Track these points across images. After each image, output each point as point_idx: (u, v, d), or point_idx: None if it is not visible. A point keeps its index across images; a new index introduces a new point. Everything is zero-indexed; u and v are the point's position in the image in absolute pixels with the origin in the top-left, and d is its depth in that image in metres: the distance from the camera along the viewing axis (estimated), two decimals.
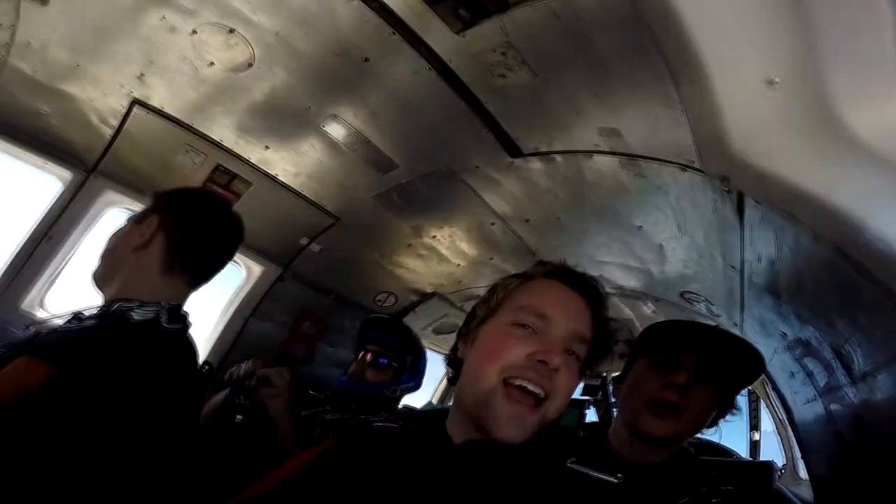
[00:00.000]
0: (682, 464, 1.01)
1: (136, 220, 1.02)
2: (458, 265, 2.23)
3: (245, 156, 1.67)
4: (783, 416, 1.65)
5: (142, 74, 1.34)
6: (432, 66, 1.16)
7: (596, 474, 0.69)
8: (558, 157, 1.28)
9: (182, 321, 0.99)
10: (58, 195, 1.58)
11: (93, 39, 1.24)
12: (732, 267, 1.12)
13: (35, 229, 1.55)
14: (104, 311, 0.94)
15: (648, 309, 1.80)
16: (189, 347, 1.01)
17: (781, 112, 0.66)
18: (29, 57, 1.29)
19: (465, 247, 2.08)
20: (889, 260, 0.63)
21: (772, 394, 1.65)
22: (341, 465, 0.78)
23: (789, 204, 0.76)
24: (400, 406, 1.92)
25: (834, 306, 0.86)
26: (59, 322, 0.98)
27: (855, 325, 0.81)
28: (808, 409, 1.21)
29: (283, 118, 1.47)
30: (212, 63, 1.28)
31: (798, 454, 1.94)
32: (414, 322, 2.57)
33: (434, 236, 2.06)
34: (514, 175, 1.49)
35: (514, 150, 1.36)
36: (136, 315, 0.92)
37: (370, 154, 1.59)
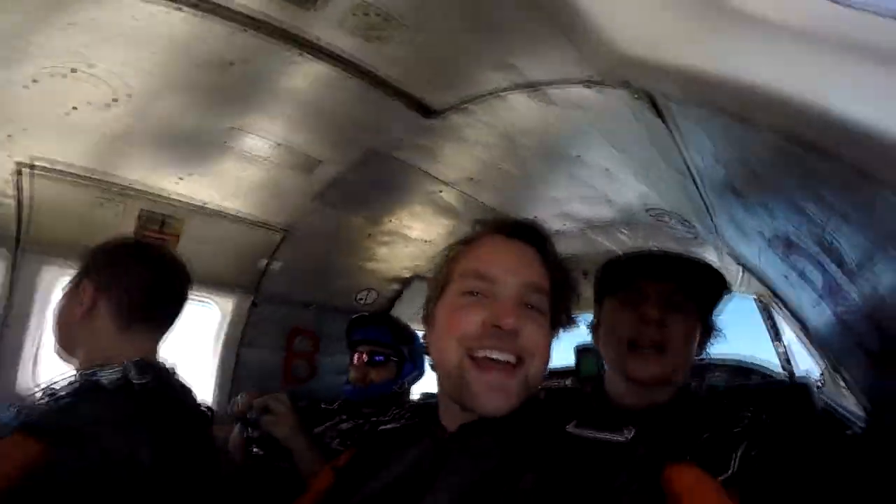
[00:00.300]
0: (690, 400, 0.98)
1: (71, 288, 1.01)
2: (425, 241, 2.17)
3: (164, 192, 1.58)
4: (798, 323, 1.57)
5: (9, 135, 1.26)
6: (305, 52, 1.06)
7: (601, 435, 0.65)
8: (471, 106, 1.19)
9: (154, 371, 0.99)
10: None
11: None
12: (680, 173, 1.03)
13: None
14: (73, 381, 0.95)
15: (623, 235, 1.73)
16: (172, 393, 1.02)
17: None
18: None
19: (425, 222, 2.01)
20: (837, 132, 0.54)
21: (778, 302, 1.57)
22: (360, 475, 0.77)
23: (700, 93, 0.67)
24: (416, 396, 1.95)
25: (796, 191, 0.78)
26: (38, 397, 0.98)
27: (826, 208, 0.73)
28: (817, 314, 1.13)
29: (181, 145, 1.39)
30: (75, 107, 1.19)
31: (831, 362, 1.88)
32: (403, 310, 2.55)
33: (390, 220, 1.99)
34: (438, 136, 1.39)
35: (428, 111, 1.26)
36: (104, 379, 0.93)
37: (288, 158, 1.50)
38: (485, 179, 1.57)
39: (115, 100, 1.16)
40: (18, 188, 1.40)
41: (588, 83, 0.87)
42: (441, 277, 0.78)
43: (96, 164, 1.43)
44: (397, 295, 2.52)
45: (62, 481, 0.79)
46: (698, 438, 0.87)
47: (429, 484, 0.66)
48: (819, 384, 2.10)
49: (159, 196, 1.61)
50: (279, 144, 1.43)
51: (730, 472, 0.80)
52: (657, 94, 0.75)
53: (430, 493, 0.65)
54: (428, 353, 0.82)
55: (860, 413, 1.18)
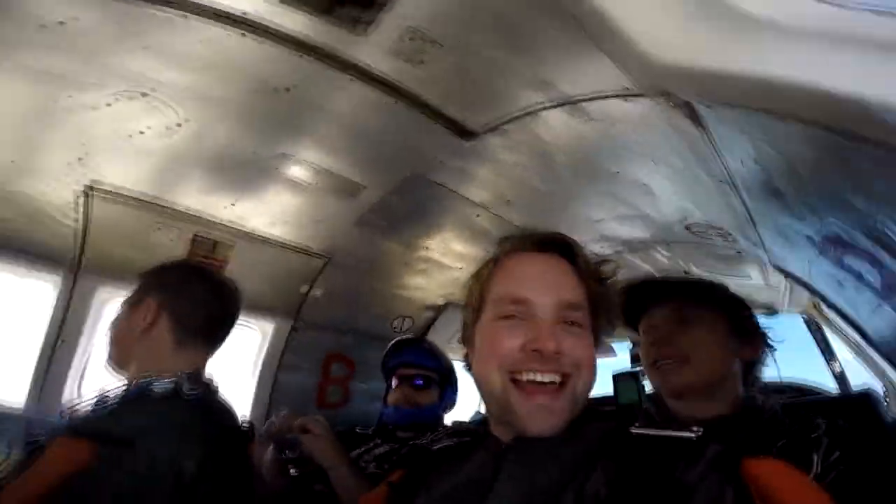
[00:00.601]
0: (759, 411, 0.98)
1: (132, 305, 1.08)
2: (461, 268, 2.20)
3: (216, 219, 1.71)
4: (855, 336, 1.49)
5: (80, 158, 1.37)
6: (356, 77, 1.17)
7: (667, 433, 0.64)
8: (507, 126, 1.26)
9: (203, 386, 1.05)
10: (54, 300, 1.65)
11: (12, 133, 1.28)
12: (720, 180, 1.05)
13: (46, 336, 1.63)
14: (126, 389, 1.00)
15: (662, 256, 1.71)
16: (217, 409, 1.07)
17: (679, 9, 0.62)
18: None
19: (460, 247, 2.06)
20: (877, 119, 0.56)
21: (832, 315, 1.50)
22: (415, 490, 0.77)
23: (737, 96, 0.71)
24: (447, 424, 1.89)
25: (841, 184, 0.78)
26: (88, 405, 1.02)
27: (875, 200, 0.73)
28: (878, 319, 1.08)
29: (235, 170, 1.51)
30: (142, 132, 1.31)
31: (893, 375, 1.77)
32: (436, 337, 2.55)
33: (426, 247, 2.04)
34: (476, 158, 1.46)
35: (467, 133, 1.34)
36: (157, 388, 0.98)
37: (333, 183, 1.60)
38: (521, 201, 1.62)
39: (178, 124, 1.29)
40: (84, 211, 1.53)
41: (625, 95, 0.92)
42: (475, 301, 0.77)
43: (157, 189, 1.56)
44: (431, 322, 2.54)
45: (107, 485, 0.82)
46: (774, 445, 0.84)
47: (486, 492, 0.66)
48: (886, 399, 1.94)
49: (211, 221, 1.72)
50: (325, 170, 1.53)
51: (813, 472, 0.78)
52: (694, 100, 0.78)
53: (488, 498, 0.65)
54: (469, 370, 0.81)
55: None
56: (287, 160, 1.48)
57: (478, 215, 1.81)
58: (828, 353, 2.15)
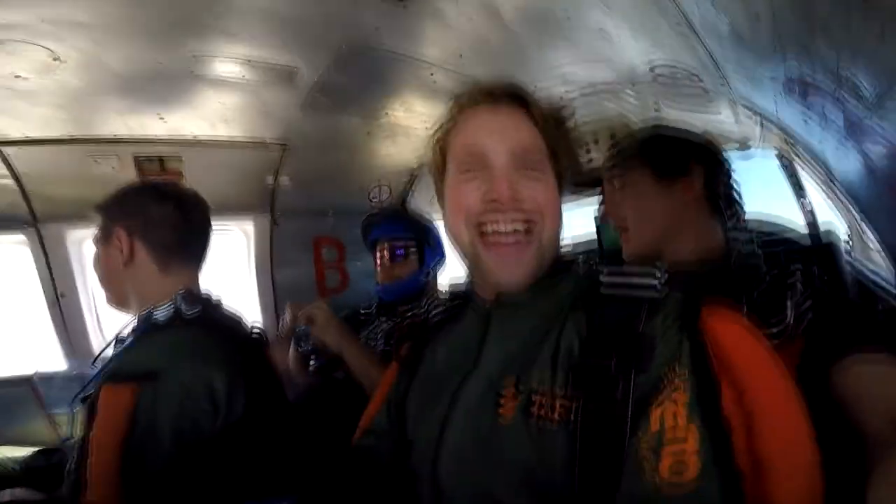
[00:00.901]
0: (735, 256, 0.93)
1: (103, 240, 1.05)
2: (427, 127, 2.11)
3: (152, 135, 1.59)
4: (823, 172, 1.48)
5: None
6: None
7: (631, 280, 0.63)
8: None
9: (203, 302, 1.06)
10: (33, 259, 1.68)
11: None
12: (679, 24, 0.94)
13: (46, 297, 1.71)
14: (135, 325, 1.03)
15: (630, 97, 1.62)
16: (224, 321, 1.09)
17: None
18: None
19: (422, 107, 1.92)
20: None
21: (800, 151, 1.48)
22: (420, 360, 0.82)
23: None
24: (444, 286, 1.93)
25: (801, 29, 0.73)
26: (111, 349, 1.08)
27: (836, 43, 0.69)
28: (842, 157, 1.08)
29: (150, 85, 1.36)
30: (17, 76, 1.16)
31: (856, 213, 1.72)
32: (418, 199, 2.60)
33: (386, 113, 1.92)
34: (416, 17, 1.28)
35: None
36: (159, 317, 1.01)
37: (262, 72, 1.44)
38: (475, 55, 1.46)
39: (56, 59, 1.11)
40: (8, 165, 1.45)
41: None
42: (438, 161, 0.77)
43: (72, 124, 1.43)
44: (409, 186, 2.55)
45: (160, 418, 0.86)
46: (752, 291, 0.84)
47: (479, 350, 0.70)
48: (847, 244, 2.01)
49: (148, 139, 1.62)
50: (249, 61, 1.36)
51: (787, 320, 0.78)
52: None
53: (479, 357, 0.70)
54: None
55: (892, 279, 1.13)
56: (205, 61, 1.31)
57: (432, 73, 1.66)
58: (798, 190, 2.17)
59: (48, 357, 1.76)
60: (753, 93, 1.12)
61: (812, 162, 1.43)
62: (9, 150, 1.43)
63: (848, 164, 1.06)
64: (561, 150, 0.73)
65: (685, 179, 0.94)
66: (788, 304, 0.78)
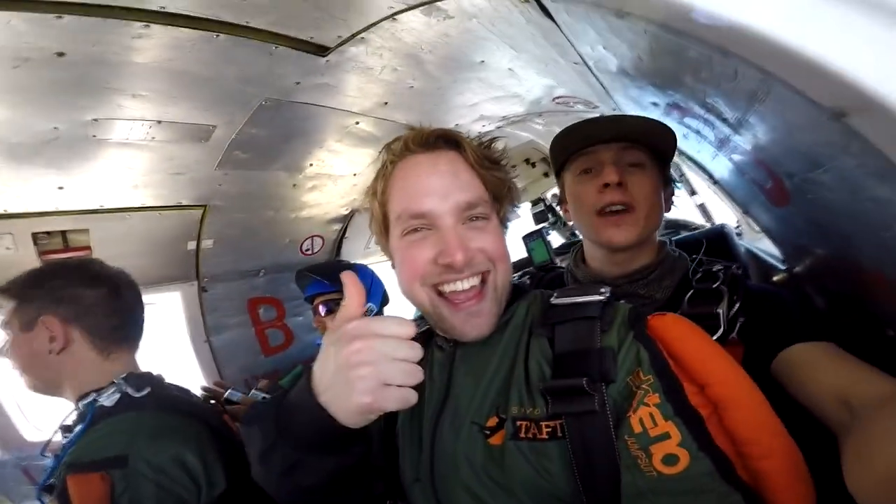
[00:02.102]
0: (671, 260, 1.00)
1: (22, 328, 0.99)
2: (354, 174, 2.15)
3: (49, 209, 1.43)
4: (706, 176, 1.71)
5: None
6: (171, 24, 0.93)
7: (580, 299, 0.68)
8: (366, 35, 1.14)
9: (147, 382, 1.02)
10: None
11: None
12: (576, 63, 1.11)
13: None
14: (79, 413, 0.98)
15: (538, 125, 1.83)
16: (174, 396, 1.06)
17: None
18: None
19: (349, 156, 1.98)
20: (698, 20, 0.63)
21: (686, 160, 1.72)
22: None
23: None
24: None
25: (675, 68, 0.88)
26: (60, 438, 1.01)
27: (701, 80, 0.84)
28: (719, 164, 1.26)
29: (47, 153, 1.24)
30: None
31: (739, 208, 1.91)
32: (353, 246, 2.60)
33: (311, 164, 1.94)
34: (338, 71, 1.34)
35: (320, 49, 1.20)
36: (105, 402, 0.96)
37: (174, 132, 1.38)
38: (398, 101, 1.56)
39: None
40: None
41: None
42: (379, 218, 0.76)
43: None
44: (341, 234, 2.55)
45: (142, 499, 0.84)
46: (683, 297, 0.90)
47: (447, 389, 0.72)
48: (738, 231, 2.36)
49: (47, 212, 1.46)
50: (159, 122, 1.30)
51: (721, 330, 0.83)
52: None
53: (448, 396, 0.71)
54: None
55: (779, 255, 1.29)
56: (105, 124, 1.24)
57: (357, 122, 1.72)
58: (689, 188, 2.52)
59: None
60: (637, 113, 1.33)
61: (696, 167, 1.70)
62: None
63: (723, 169, 1.28)
64: (502, 191, 0.74)
65: (670, 187, 1.04)
66: (720, 312, 0.84)
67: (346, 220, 2.50)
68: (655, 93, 1.03)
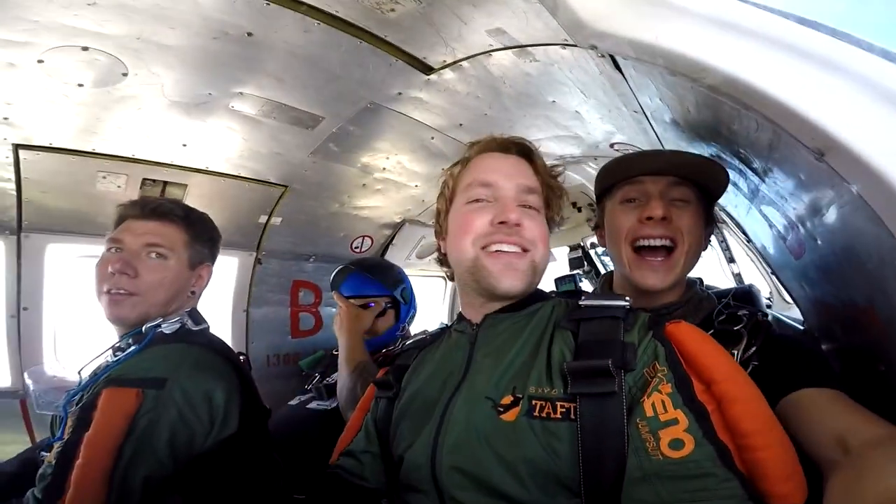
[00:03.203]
0: (696, 297, 1.03)
1: (189, 264, 1.18)
2: (416, 186, 2.43)
3: (166, 160, 1.76)
4: (742, 235, 1.81)
5: (5, 118, 1.38)
6: (321, 20, 1.25)
7: (606, 301, 0.76)
8: (464, 64, 1.44)
9: (203, 321, 1.19)
10: (4, 266, 1.68)
11: None
12: (636, 111, 1.35)
13: (7, 307, 1.67)
14: (136, 334, 1.09)
15: (591, 169, 2.07)
16: (218, 341, 1.19)
17: None
18: None
19: (416, 167, 2.26)
20: (728, 80, 0.83)
21: (724, 218, 1.85)
22: (400, 379, 0.92)
23: (641, 53, 0.97)
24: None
25: (715, 120, 1.08)
26: (105, 359, 1.12)
27: (735, 131, 0.99)
28: (751, 220, 1.36)
29: (187, 112, 1.56)
30: (80, 84, 1.32)
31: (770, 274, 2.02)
32: (397, 254, 2.84)
33: (384, 168, 2.23)
34: (433, 89, 1.63)
35: (426, 69, 1.50)
36: (167, 329, 1.09)
37: (291, 116, 1.70)
38: (472, 125, 1.84)
39: (124, 74, 1.31)
40: (15, 170, 1.53)
41: (563, 44, 1.16)
42: (448, 193, 0.92)
43: (100, 138, 1.57)
44: (389, 240, 2.81)
45: (161, 421, 0.92)
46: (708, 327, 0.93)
47: (467, 368, 0.80)
48: (769, 302, 2.41)
49: (161, 163, 1.78)
50: (283, 105, 1.62)
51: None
52: (615, 53, 1.04)
53: (467, 374, 0.79)
54: (443, 264, 0.97)
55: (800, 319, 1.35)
56: (246, 98, 1.55)
57: (432, 138, 2.01)
58: (728, 255, 2.56)
59: None
60: None
61: (733, 227, 1.86)
62: (25, 155, 1.50)
63: (755, 224, 1.43)
64: (553, 197, 0.91)
65: (709, 210, 1.08)
66: (735, 352, 0.87)
67: (397, 227, 2.77)
68: (700, 144, 1.25)
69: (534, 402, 0.69)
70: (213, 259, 1.27)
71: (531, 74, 1.40)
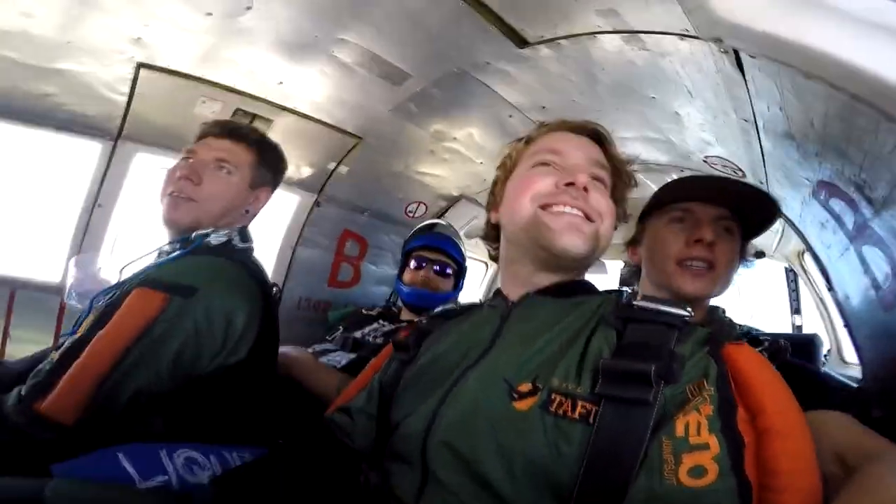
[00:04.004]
0: (717, 320, 1.08)
1: (255, 183, 1.22)
2: (481, 163, 2.38)
3: (261, 95, 1.82)
4: (821, 287, 1.68)
5: (139, 38, 1.46)
6: None
7: (665, 307, 0.68)
8: (564, 42, 1.36)
9: (251, 241, 1.21)
10: (95, 167, 1.81)
11: (76, 13, 1.33)
12: (745, 120, 1.24)
13: (84, 201, 1.81)
14: (184, 240, 1.09)
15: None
16: (257, 266, 1.18)
17: None
18: (12, 43, 1.38)
19: (486, 143, 2.21)
20: (873, 84, 0.74)
21: (807, 263, 1.71)
22: (421, 343, 0.86)
23: (776, 52, 0.88)
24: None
25: (841, 136, 0.97)
26: (149, 259, 1.14)
27: (862, 151, 0.90)
28: (843, 264, 1.25)
29: (291, 52, 1.59)
30: (209, 13, 1.38)
31: (841, 334, 1.94)
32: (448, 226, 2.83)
33: (455, 138, 2.20)
34: (524, 65, 1.57)
35: (521, 41, 1.44)
36: (213, 241, 1.09)
37: (382, 69, 1.70)
38: (556, 109, 1.77)
39: (248, 8, 1.35)
40: (133, 86, 1.63)
41: (682, 35, 1.06)
42: (509, 164, 0.87)
43: (210, 66, 1.65)
44: (443, 212, 2.78)
45: (176, 330, 0.90)
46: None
47: (490, 345, 0.73)
48: (825, 355, 2.23)
49: (256, 97, 1.84)
50: (377, 57, 1.62)
51: None
52: (741, 49, 0.94)
53: (489, 352, 0.72)
54: (488, 239, 0.93)
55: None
56: (342, 45, 1.56)
57: (510, 115, 1.95)
58: (795, 305, 2.41)
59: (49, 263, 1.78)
60: (786, 194, 1.40)
61: (812, 274, 1.70)
62: (144, 73, 1.60)
63: (845, 269, 1.29)
64: (620, 182, 0.85)
65: (745, 243, 1.12)
66: None
67: (453, 201, 2.74)
68: (811, 165, 1.13)
69: (554, 395, 0.63)
70: (274, 185, 1.29)
71: (635, 64, 1.31)
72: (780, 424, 0.57)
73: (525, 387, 0.64)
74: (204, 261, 1.03)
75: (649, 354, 0.62)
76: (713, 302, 1.11)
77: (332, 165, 2.30)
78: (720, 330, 1.03)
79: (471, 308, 0.92)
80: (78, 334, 0.91)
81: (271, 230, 2.43)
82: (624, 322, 0.68)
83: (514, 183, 0.83)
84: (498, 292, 0.84)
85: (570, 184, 0.74)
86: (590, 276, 0.87)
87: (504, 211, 0.84)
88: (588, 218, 0.76)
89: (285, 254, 2.44)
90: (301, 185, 2.35)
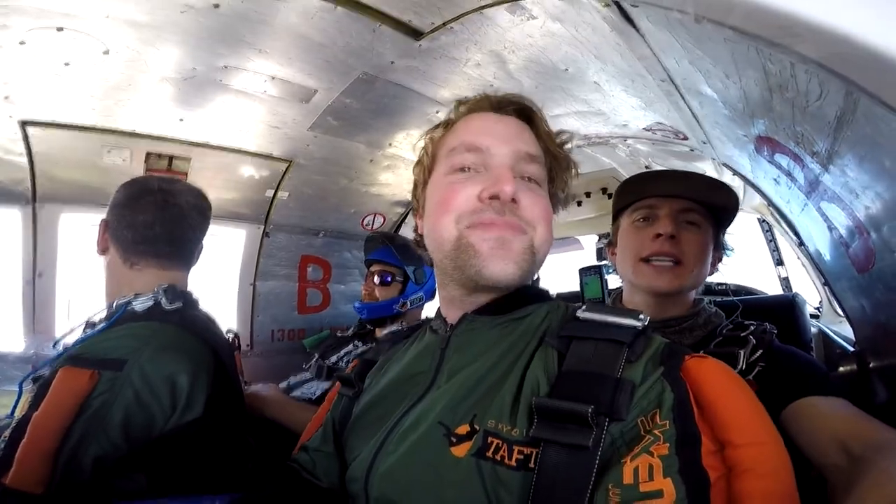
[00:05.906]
0: (703, 312, 1.05)
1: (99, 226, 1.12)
2: None
3: (166, 135, 1.71)
4: (793, 238, 1.57)
5: (6, 97, 1.37)
6: None
7: (614, 319, 0.60)
8: (456, 26, 1.22)
9: (183, 299, 1.08)
10: (21, 235, 1.72)
11: None
12: (662, 80, 1.08)
13: (23, 272, 1.72)
14: (109, 313, 1.04)
15: (622, 152, 1.77)
16: (200, 321, 1.10)
17: None
18: None
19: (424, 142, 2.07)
20: (793, 25, 0.59)
21: (777, 216, 1.58)
22: (364, 377, 0.81)
23: None
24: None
25: (763, 89, 0.83)
26: (78, 333, 1.07)
27: (787, 101, 0.77)
28: (805, 218, 1.14)
29: (177, 87, 1.48)
30: (66, 63, 1.28)
31: (822, 283, 1.75)
32: (408, 233, 2.70)
33: (390, 144, 2.08)
34: (429, 57, 1.43)
35: (415, 33, 1.30)
36: (138, 306, 1.02)
37: (284, 89, 1.58)
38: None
39: (105, 52, 1.24)
40: (25, 145, 1.54)
41: None
42: (426, 160, 0.74)
43: (97, 114, 1.55)
44: (402, 218, 2.68)
45: (115, 405, 0.86)
46: (710, 343, 0.96)
47: (432, 379, 0.67)
48: (818, 312, 2.09)
49: (163, 137, 1.74)
50: (273, 78, 1.49)
51: (738, 368, 0.86)
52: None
53: (431, 387, 0.66)
54: (421, 246, 0.79)
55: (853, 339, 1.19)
56: (233, 72, 1.45)
57: (437, 112, 1.81)
58: (776, 256, 2.24)
59: (5, 335, 1.74)
60: (732, 152, 1.24)
61: (784, 226, 1.53)
62: (32, 131, 1.52)
63: (811, 225, 1.15)
64: (558, 169, 0.73)
65: (718, 251, 1.10)
66: (741, 353, 0.89)
67: (409, 206, 2.62)
68: (744, 121, 0.97)
69: (489, 439, 0.55)
70: (108, 211, 1.14)
71: (533, 36, 1.15)
72: (751, 461, 0.48)
73: (463, 429, 0.58)
74: (130, 329, 0.97)
75: (591, 387, 0.53)
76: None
77: (269, 193, 2.18)
78: (706, 320, 1.03)
79: (417, 329, 0.86)
80: (18, 415, 0.89)
81: (226, 269, 2.36)
82: (567, 341, 0.60)
83: (432, 192, 0.71)
84: (439, 313, 0.77)
85: (496, 196, 0.63)
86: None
87: (427, 230, 0.73)
88: (523, 228, 0.65)
89: (246, 290, 2.35)
90: (244, 218, 2.26)
